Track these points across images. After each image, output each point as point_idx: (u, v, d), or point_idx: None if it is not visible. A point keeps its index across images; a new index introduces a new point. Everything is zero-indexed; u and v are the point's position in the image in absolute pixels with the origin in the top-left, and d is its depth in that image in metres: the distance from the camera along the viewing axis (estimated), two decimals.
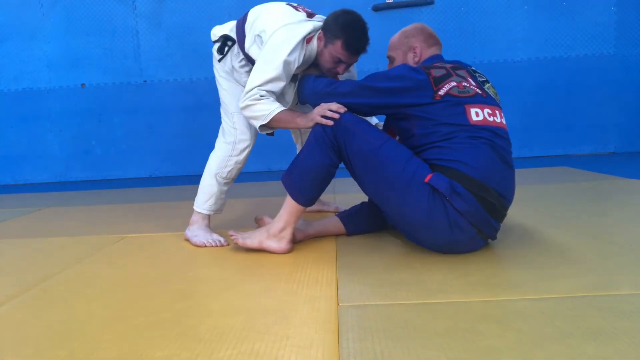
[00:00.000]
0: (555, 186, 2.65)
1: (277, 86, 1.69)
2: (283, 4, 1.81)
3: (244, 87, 1.88)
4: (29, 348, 1.09)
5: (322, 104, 1.62)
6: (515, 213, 1.89)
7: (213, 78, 1.96)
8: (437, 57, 1.69)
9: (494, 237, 1.60)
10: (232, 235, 1.75)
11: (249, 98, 1.68)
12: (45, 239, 2.17)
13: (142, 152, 4.40)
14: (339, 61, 1.70)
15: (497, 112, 1.58)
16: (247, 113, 1.71)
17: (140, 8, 4.25)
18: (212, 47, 1.91)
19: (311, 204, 1.70)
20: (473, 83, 1.58)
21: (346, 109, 1.60)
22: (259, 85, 1.67)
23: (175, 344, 1.06)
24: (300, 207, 1.68)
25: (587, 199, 2.38)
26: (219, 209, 1.96)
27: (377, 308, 1.20)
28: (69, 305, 1.34)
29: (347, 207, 2.31)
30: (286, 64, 1.65)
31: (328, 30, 1.67)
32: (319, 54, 1.74)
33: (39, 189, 4.01)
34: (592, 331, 1.01)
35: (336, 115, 1.58)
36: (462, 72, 1.59)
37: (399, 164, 1.51)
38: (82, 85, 4.35)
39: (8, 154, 4.45)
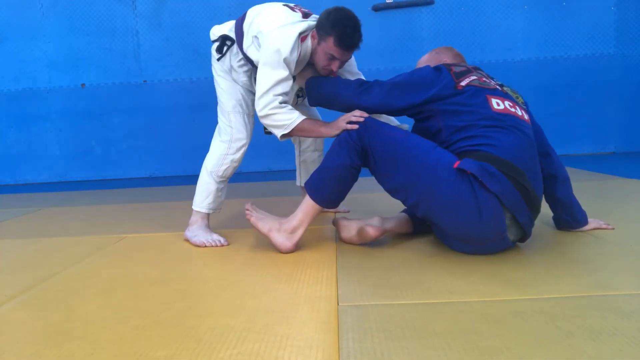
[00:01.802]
0: None
1: (287, 85, 1.69)
2: (280, 4, 1.81)
3: (242, 86, 1.89)
4: (29, 348, 1.09)
5: (347, 115, 1.63)
6: None
7: (213, 78, 1.96)
8: (460, 65, 1.69)
9: (528, 231, 1.52)
10: (247, 210, 1.75)
11: (267, 107, 1.67)
12: (45, 239, 2.17)
13: (142, 152, 4.40)
14: (332, 58, 1.70)
15: (518, 108, 1.59)
16: (267, 122, 1.71)
17: (140, 8, 4.25)
18: (211, 46, 1.92)
19: (330, 205, 1.70)
20: (492, 82, 1.63)
21: (368, 115, 1.63)
22: (270, 90, 1.66)
23: (175, 344, 1.06)
24: (316, 207, 1.68)
25: (587, 199, 2.38)
26: (217, 207, 1.97)
27: (377, 308, 1.19)
28: (69, 305, 1.34)
29: (348, 207, 2.32)
30: (287, 62, 1.66)
31: (320, 28, 1.68)
32: (313, 52, 1.74)
33: (39, 189, 4.01)
34: (592, 331, 1.01)
35: (361, 119, 1.59)
36: (481, 72, 1.64)
37: (425, 152, 1.50)
38: (82, 85, 4.35)
39: (8, 154, 4.45)
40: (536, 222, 1.89)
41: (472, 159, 1.43)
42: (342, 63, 1.75)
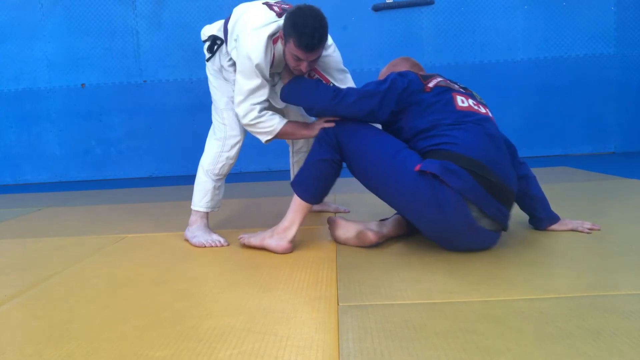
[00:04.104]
0: (555, 186, 2.64)
1: (264, 93, 1.74)
2: (260, 3, 1.80)
3: (233, 85, 1.90)
4: (29, 348, 1.09)
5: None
6: (515, 213, 1.88)
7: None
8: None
9: (504, 224, 1.54)
10: (240, 238, 1.81)
11: (247, 117, 1.74)
12: (45, 239, 2.17)
13: (142, 152, 4.40)
14: (298, 59, 1.66)
15: (481, 106, 1.66)
16: (252, 130, 1.78)
17: (140, 8, 4.25)
18: (203, 47, 1.93)
19: (315, 200, 1.72)
20: (456, 85, 1.70)
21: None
22: (246, 100, 1.72)
23: (175, 344, 1.06)
24: (304, 204, 1.70)
25: (587, 199, 2.38)
26: (215, 205, 1.97)
27: (377, 308, 1.20)
28: (69, 305, 1.34)
29: (347, 207, 2.32)
30: (260, 68, 1.68)
31: (284, 29, 1.64)
32: (283, 53, 1.73)
33: (39, 189, 4.01)
34: (592, 331, 1.01)
35: (337, 118, 1.68)
36: (444, 78, 1.72)
37: (388, 157, 1.57)
38: (82, 85, 4.35)
39: (8, 154, 4.45)
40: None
41: (434, 159, 1.49)
42: (312, 63, 1.69)
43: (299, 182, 1.71)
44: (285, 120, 1.77)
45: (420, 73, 1.70)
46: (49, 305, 1.36)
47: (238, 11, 1.82)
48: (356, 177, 1.69)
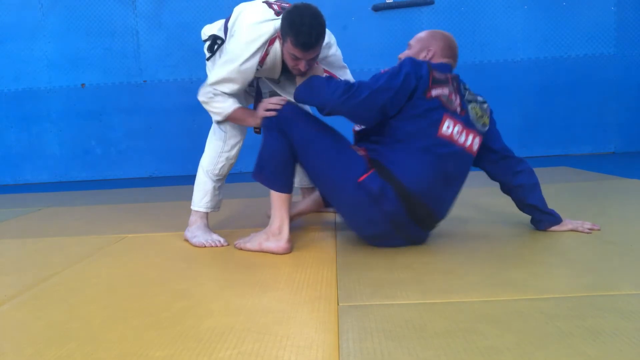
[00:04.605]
0: (555, 186, 2.64)
1: (230, 88, 1.75)
2: (260, 1, 1.80)
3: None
4: (29, 348, 1.09)
5: (265, 100, 1.73)
6: (515, 213, 1.89)
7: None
8: (445, 67, 1.69)
9: (416, 239, 1.70)
10: (236, 244, 1.81)
11: (204, 95, 1.79)
12: (45, 239, 2.17)
13: (142, 152, 4.40)
14: (296, 58, 1.64)
15: (469, 134, 1.64)
16: (206, 107, 1.83)
17: (140, 8, 4.25)
18: (203, 46, 1.94)
19: (289, 189, 1.72)
20: (457, 100, 1.64)
21: (287, 101, 1.71)
22: (216, 84, 1.75)
23: (175, 344, 1.06)
24: (283, 196, 1.71)
25: (587, 199, 2.38)
26: (215, 205, 1.97)
27: (377, 308, 1.19)
28: (69, 305, 1.34)
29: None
30: (242, 69, 1.70)
31: (281, 29, 1.64)
32: (282, 53, 1.72)
33: (39, 189, 4.01)
34: (592, 331, 1.01)
35: (278, 106, 1.68)
36: (455, 86, 1.65)
37: (333, 154, 1.62)
38: (82, 85, 4.35)
39: (8, 154, 4.45)
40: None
41: (380, 177, 1.57)
42: (310, 62, 1.67)
43: (266, 176, 1.71)
44: (237, 105, 1.78)
45: (434, 75, 1.59)
46: (49, 305, 1.36)
47: (237, 10, 1.82)
48: (299, 163, 1.72)
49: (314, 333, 1.08)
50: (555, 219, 1.78)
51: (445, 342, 1.00)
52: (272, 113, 1.68)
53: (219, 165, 1.90)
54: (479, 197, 2.43)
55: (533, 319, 1.08)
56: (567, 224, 1.78)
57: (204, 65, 1.98)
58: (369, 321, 1.12)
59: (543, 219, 1.78)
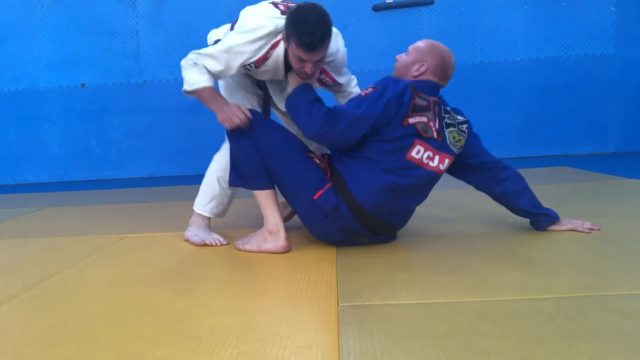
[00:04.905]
0: (555, 186, 2.64)
1: (211, 65, 1.68)
2: (266, 2, 1.77)
3: (241, 87, 1.88)
4: (29, 348, 1.09)
5: (233, 107, 1.65)
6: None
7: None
8: (432, 88, 1.67)
9: (385, 241, 1.74)
10: (235, 245, 1.81)
11: (186, 60, 1.71)
12: (45, 239, 2.17)
13: (142, 152, 4.40)
14: (301, 60, 1.58)
15: (438, 157, 1.63)
16: (182, 73, 1.73)
17: (140, 8, 4.25)
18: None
19: (270, 184, 1.72)
20: (435, 126, 1.63)
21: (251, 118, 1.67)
22: (203, 57, 1.68)
23: (175, 344, 1.06)
24: (268, 193, 1.71)
25: (587, 199, 2.38)
26: (221, 212, 1.93)
27: (377, 308, 1.20)
28: (69, 305, 1.34)
29: None
30: (231, 52, 1.65)
31: (286, 30, 1.59)
32: (285, 55, 1.67)
33: (39, 189, 4.01)
34: (592, 331, 1.01)
35: (246, 125, 1.64)
36: (435, 113, 1.64)
37: (293, 164, 1.66)
38: (82, 85, 4.35)
39: (8, 154, 4.45)
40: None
41: (332, 192, 1.60)
42: (317, 64, 1.62)
43: (247, 179, 1.71)
44: (209, 84, 1.69)
45: (417, 102, 1.59)
46: (49, 305, 1.36)
47: (244, 12, 1.79)
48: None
49: (314, 333, 1.08)
50: (552, 218, 1.78)
51: (445, 342, 1.00)
52: (240, 125, 1.63)
53: None
54: (479, 197, 2.42)
55: (533, 319, 1.08)
56: (567, 224, 1.78)
57: None
58: (369, 321, 1.12)
59: (538, 220, 1.78)
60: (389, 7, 4.12)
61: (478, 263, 1.49)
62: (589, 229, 1.75)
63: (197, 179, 1.97)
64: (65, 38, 4.30)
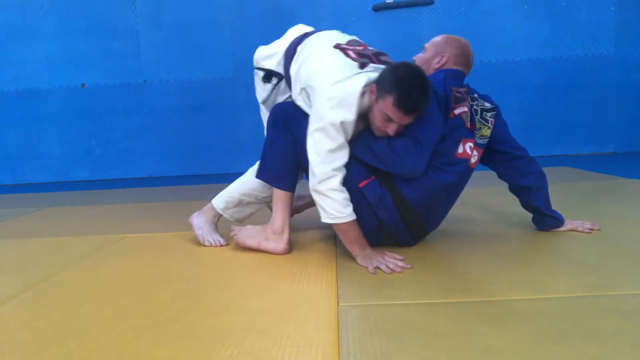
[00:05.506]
0: (555, 186, 2.64)
1: (344, 155, 1.52)
2: (330, 46, 1.62)
3: (281, 95, 1.79)
4: (29, 348, 1.09)
5: (386, 257, 1.51)
6: (516, 213, 1.89)
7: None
8: (459, 77, 1.69)
9: (408, 243, 1.69)
10: (233, 232, 1.78)
11: (324, 183, 1.49)
12: (45, 239, 2.17)
13: (142, 152, 4.40)
14: (389, 119, 1.47)
15: (477, 151, 1.65)
16: (317, 198, 1.53)
17: (140, 8, 4.25)
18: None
19: (293, 187, 1.71)
20: (469, 116, 1.64)
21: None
22: (326, 163, 1.49)
23: (175, 344, 1.06)
24: (286, 194, 1.70)
25: (587, 199, 2.38)
26: (239, 219, 1.89)
27: (377, 308, 1.20)
28: (69, 305, 1.34)
29: None
30: (345, 126, 1.48)
31: (381, 84, 1.47)
32: (369, 108, 1.52)
33: (39, 189, 4.01)
34: (592, 331, 1.01)
35: (397, 270, 1.46)
36: (468, 101, 1.65)
37: None
38: (82, 85, 4.36)
39: (8, 154, 4.45)
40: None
41: (380, 185, 1.56)
42: (400, 127, 1.50)
43: (271, 174, 1.70)
44: (354, 217, 1.51)
45: (455, 94, 1.58)
46: (49, 305, 1.36)
47: (304, 53, 1.64)
48: (301, 162, 1.66)
49: (314, 333, 1.08)
50: (558, 222, 1.77)
51: (445, 342, 1.00)
52: (385, 272, 1.45)
53: (266, 194, 1.81)
54: (480, 197, 2.43)
55: (533, 319, 1.08)
56: (567, 224, 1.78)
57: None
58: (369, 321, 1.12)
59: (545, 220, 1.78)
60: (389, 7, 4.12)
61: (478, 263, 1.49)
62: (589, 229, 1.75)
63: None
64: (65, 38, 4.30)
